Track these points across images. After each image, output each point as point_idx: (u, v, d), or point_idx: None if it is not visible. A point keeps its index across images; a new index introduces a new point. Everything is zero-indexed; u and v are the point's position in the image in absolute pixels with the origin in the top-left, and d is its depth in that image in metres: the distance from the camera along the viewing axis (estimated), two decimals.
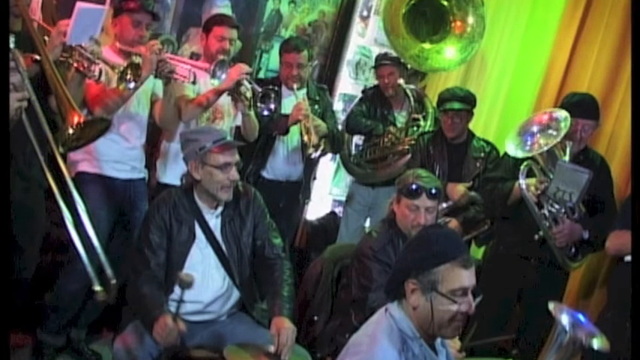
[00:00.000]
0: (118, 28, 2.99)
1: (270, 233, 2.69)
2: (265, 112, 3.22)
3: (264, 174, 3.75)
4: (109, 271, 1.90)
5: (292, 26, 4.44)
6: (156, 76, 2.90)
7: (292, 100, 3.61)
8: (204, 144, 2.50)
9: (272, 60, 4.35)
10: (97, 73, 2.53)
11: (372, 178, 4.16)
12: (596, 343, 1.82)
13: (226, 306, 2.61)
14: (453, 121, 3.63)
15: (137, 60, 2.72)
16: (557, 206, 3.06)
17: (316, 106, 3.73)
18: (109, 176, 3.06)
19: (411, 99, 4.12)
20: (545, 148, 3.04)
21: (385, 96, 4.12)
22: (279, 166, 3.76)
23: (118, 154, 3.07)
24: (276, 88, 3.27)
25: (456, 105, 3.60)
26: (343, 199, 4.57)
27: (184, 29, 3.94)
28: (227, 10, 4.00)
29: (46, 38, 2.40)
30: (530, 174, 3.12)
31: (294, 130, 3.64)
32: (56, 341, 3.16)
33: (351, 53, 4.76)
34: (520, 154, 3.13)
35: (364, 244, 2.76)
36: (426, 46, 4.09)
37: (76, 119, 2.01)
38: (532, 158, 3.12)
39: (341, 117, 4.50)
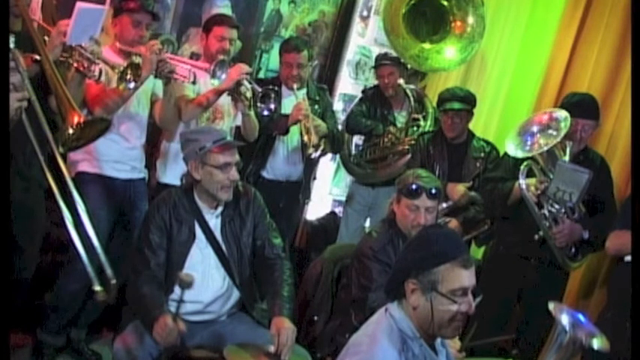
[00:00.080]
0: (118, 28, 2.99)
1: (270, 233, 2.68)
2: (265, 112, 3.22)
3: (264, 174, 3.75)
4: (109, 271, 1.90)
5: (292, 26, 4.44)
6: (156, 76, 2.90)
7: (292, 100, 3.61)
8: (204, 144, 2.50)
9: (272, 60, 4.35)
10: (97, 73, 2.53)
11: (372, 178, 4.16)
12: (596, 343, 1.82)
13: (226, 306, 2.61)
14: (453, 121, 3.63)
15: (137, 60, 2.72)
16: (557, 206, 3.06)
17: (316, 106, 3.73)
18: (109, 176, 3.06)
19: (411, 99, 4.12)
20: (545, 148, 3.04)
21: (385, 96, 4.12)
22: (279, 166, 3.76)
23: (118, 154, 3.07)
24: (276, 88, 3.27)
25: (456, 105, 3.60)
26: (343, 199, 4.57)
27: (184, 29, 3.94)
28: (227, 10, 4.00)
29: (46, 38, 2.40)
30: (530, 174, 3.12)
31: (294, 130, 3.64)
32: (56, 341, 3.16)
33: (351, 53, 4.76)
34: (520, 154, 3.13)
35: (364, 244, 2.76)
36: (426, 46, 4.09)
37: (76, 119, 2.01)
38: (532, 158, 3.12)
39: (341, 117, 4.50)
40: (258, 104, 3.17)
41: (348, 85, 4.81)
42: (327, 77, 4.69)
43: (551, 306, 1.88)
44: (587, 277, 3.71)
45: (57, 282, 3.07)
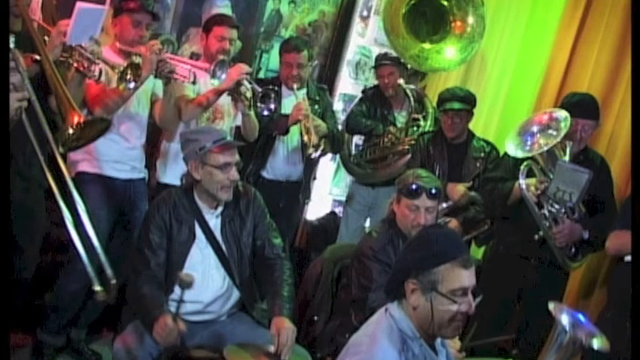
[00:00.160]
0: (118, 28, 2.99)
1: (270, 233, 2.68)
2: (265, 112, 3.22)
3: (264, 174, 3.75)
4: (109, 271, 1.90)
5: (292, 26, 4.44)
6: (156, 76, 2.90)
7: (292, 100, 3.61)
8: (204, 144, 2.50)
9: (272, 60, 4.35)
10: (97, 73, 2.53)
11: (372, 178, 4.16)
12: (596, 343, 1.82)
13: (226, 306, 2.61)
14: (453, 121, 3.63)
15: (137, 60, 2.72)
16: (557, 206, 3.06)
17: (316, 106, 3.73)
18: (109, 176, 3.06)
19: (411, 99, 4.12)
20: (545, 148, 3.04)
21: (385, 96, 4.12)
22: (279, 166, 3.76)
23: (118, 154, 3.07)
24: (276, 88, 3.27)
25: (456, 105, 3.60)
26: (343, 199, 4.57)
27: (184, 29, 3.94)
28: (227, 10, 4.00)
29: (46, 38, 2.40)
30: (530, 174, 3.12)
31: (294, 130, 3.64)
32: (56, 341, 3.16)
33: (351, 53, 4.76)
34: (520, 154, 3.13)
35: (364, 244, 2.76)
36: (426, 46, 4.09)
37: (76, 119, 2.01)
38: (532, 158, 3.12)
39: (341, 117, 4.50)
40: (258, 104, 3.17)
41: (348, 85, 4.81)
42: (327, 77, 4.69)
43: (551, 306, 1.88)
44: (587, 277, 3.71)
45: (57, 282, 3.07)
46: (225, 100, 3.24)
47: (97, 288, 1.83)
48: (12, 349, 2.99)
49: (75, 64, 2.49)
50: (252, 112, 3.24)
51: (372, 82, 4.39)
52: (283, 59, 3.70)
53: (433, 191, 2.68)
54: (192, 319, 2.48)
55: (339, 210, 4.78)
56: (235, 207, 2.64)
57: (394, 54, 4.09)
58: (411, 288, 1.81)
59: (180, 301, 2.20)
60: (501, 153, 3.51)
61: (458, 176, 3.66)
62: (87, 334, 3.29)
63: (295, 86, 3.59)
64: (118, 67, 2.62)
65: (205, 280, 2.53)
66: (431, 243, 1.84)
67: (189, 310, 2.47)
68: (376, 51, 4.51)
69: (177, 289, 2.31)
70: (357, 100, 4.35)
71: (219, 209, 2.61)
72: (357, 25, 4.72)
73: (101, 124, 2.17)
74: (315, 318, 2.87)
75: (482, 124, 4.23)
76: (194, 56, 3.84)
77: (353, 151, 4.37)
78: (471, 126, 3.79)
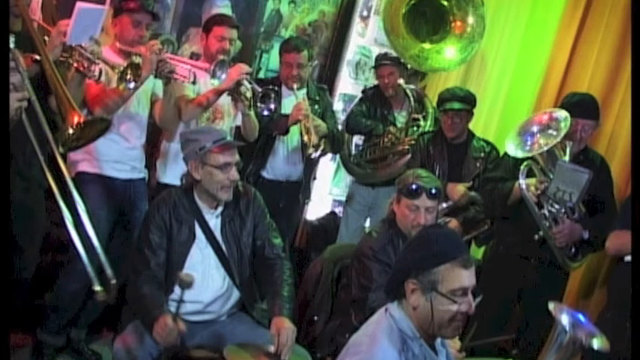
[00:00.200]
0: (118, 28, 2.99)
1: (270, 233, 2.68)
2: (265, 112, 3.22)
3: (264, 174, 3.75)
4: (109, 271, 1.90)
5: (292, 26, 4.44)
6: (156, 76, 2.90)
7: (292, 100, 3.61)
8: (204, 144, 2.50)
9: (272, 60, 4.35)
10: (97, 73, 2.53)
11: (372, 178, 4.16)
12: (596, 343, 1.82)
13: (226, 306, 2.61)
14: (453, 121, 3.63)
15: (137, 60, 2.72)
16: (557, 206, 3.06)
17: (316, 106, 3.73)
18: (109, 176, 3.06)
19: (411, 99, 4.12)
20: (545, 148, 3.04)
21: (385, 96, 4.12)
22: (279, 166, 3.76)
23: (118, 154, 3.07)
24: (276, 88, 3.27)
25: (456, 105, 3.60)
26: (343, 199, 4.57)
27: (184, 29, 3.94)
28: (227, 10, 4.00)
29: (46, 38, 2.40)
30: (530, 174, 3.12)
31: (294, 130, 3.64)
32: (56, 341, 3.16)
33: (351, 53, 4.76)
34: (520, 154, 3.13)
35: (364, 244, 2.76)
36: (426, 46, 4.09)
37: (76, 119, 2.01)
38: (532, 158, 3.12)
39: (341, 117, 4.50)
40: (258, 104, 3.16)
41: (348, 85, 4.81)
42: (327, 77, 4.69)
43: (551, 306, 1.88)
44: (587, 277, 3.71)
45: (57, 282, 3.07)
46: (225, 100, 3.24)
47: (97, 288, 1.83)
48: (12, 349, 2.99)
49: (75, 64, 2.49)
50: (252, 112, 3.24)
51: (372, 82, 4.39)
52: (283, 59, 3.70)
53: (433, 191, 2.68)
54: (192, 319, 2.48)
55: (339, 210, 4.78)
56: (235, 207, 2.63)
57: (394, 54, 4.09)
58: (411, 288, 1.81)
59: (180, 301, 2.20)
60: (501, 153, 3.51)
61: (458, 176, 3.66)
62: (87, 334, 3.29)
63: (295, 86, 3.59)
64: (118, 67, 2.62)
65: (205, 280, 2.53)
66: (431, 243, 1.84)
67: (189, 310, 2.47)
68: (376, 51, 4.51)
69: (177, 289, 2.31)
70: (357, 100, 4.35)
71: (219, 209, 2.61)
72: (357, 25, 4.72)
73: (101, 124, 2.17)
74: (315, 318, 2.87)
75: (482, 124, 4.23)
76: (194, 56, 3.84)
77: (353, 151, 4.37)
78: (471, 126, 3.79)
